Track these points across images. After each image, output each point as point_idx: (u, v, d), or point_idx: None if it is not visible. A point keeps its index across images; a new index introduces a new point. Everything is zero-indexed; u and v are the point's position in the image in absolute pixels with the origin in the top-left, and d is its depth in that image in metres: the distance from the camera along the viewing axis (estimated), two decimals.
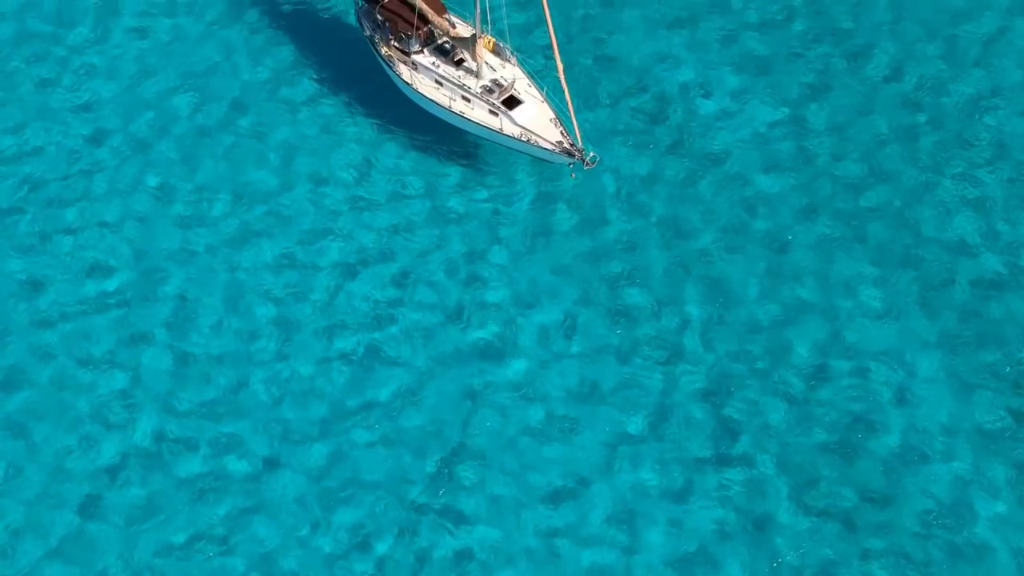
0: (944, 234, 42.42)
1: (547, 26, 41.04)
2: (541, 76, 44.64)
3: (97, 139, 46.56)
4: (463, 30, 44.76)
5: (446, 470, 37.73)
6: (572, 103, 42.28)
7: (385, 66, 45.87)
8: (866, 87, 46.77)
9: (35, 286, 42.42)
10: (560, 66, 41.50)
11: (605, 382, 39.41)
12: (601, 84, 47.31)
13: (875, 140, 45.18)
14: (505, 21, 44.76)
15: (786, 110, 46.17)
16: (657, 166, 44.84)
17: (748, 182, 44.27)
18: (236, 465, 38.07)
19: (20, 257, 43.22)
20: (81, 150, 46.19)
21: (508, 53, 44.63)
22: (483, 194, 44.47)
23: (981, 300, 40.77)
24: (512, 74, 44.26)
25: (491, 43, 44.62)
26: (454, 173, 45.08)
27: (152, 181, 45.21)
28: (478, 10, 42.72)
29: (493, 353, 40.28)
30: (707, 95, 46.89)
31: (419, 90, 44.52)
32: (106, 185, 45.09)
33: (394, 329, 40.94)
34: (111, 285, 42.39)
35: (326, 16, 50.37)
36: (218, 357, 40.41)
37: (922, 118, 45.69)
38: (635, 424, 38.41)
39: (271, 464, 38.08)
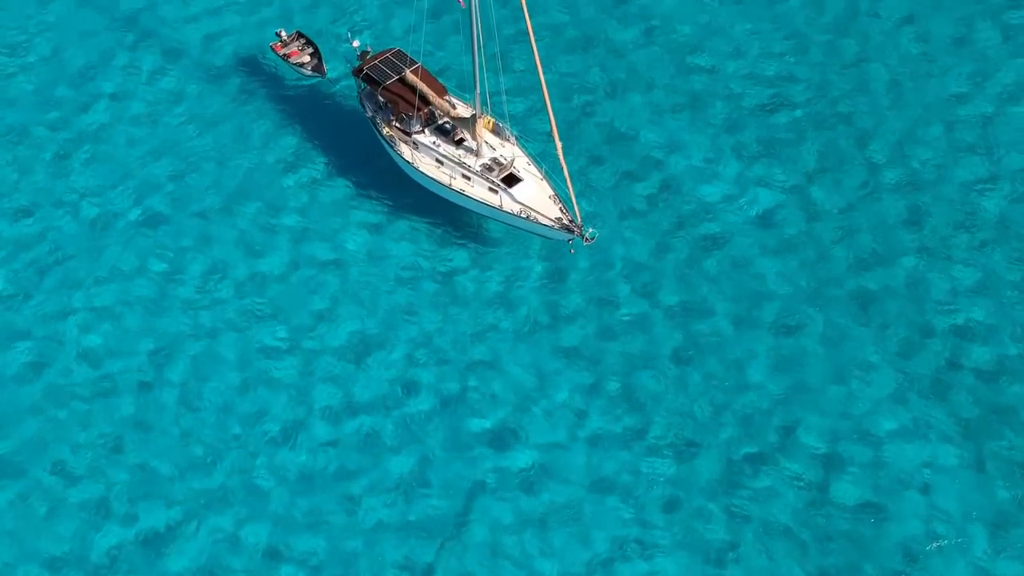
0: (951, 318, 42.36)
1: (546, 107, 42.05)
2: (540, 155, 45.49)
3: (102, 222, 47.41)
4: (463, 111, 45.86)
5: (448, 558, 37.57)
6: (571, 180, 43.11)
7: (387, 146, 46.90)
8: (866, 169, 47.23)
9: (36, 368, 42.89)
10: (559, 144, 42.45)
11: (609, 468, 39.29)
12: (600, 164, 48.08)
13: (877, 222, 45.46)
14: (504, 105, 45.86)
15: (785, 192, 46.68)
16: (658, 246, 45.35)
17: (749, 263, 44.63)
18: (233, 559, 37.97)
19: (23, 339, 43.70)
20: (85, 233, 46.99)
21: (507, 132, 45.65)
22: (483, 273, 44.97)
23: (990, 384, 40.71)
24: (511, 153, 45.22)
25: (491, 123, 45.67)
26: (454, 251, 45.70)
27: (157, 266, 45.89)
28: (478, 90, 43.86)
29: (495, 438, 40.28)
30: (707, 175, 47.46)
31: (420, 169, 45.46)
32: (109, 268, 45.81)
33: (396, 412, 41.11)
34: (114, 367, 42.77)
35: (328, 99, 51.53)
36: (211, 441, 40.59)
37: (923, 200, 46.01)
38: (642, 512, 38.16)
39: (270, 555, 38.00)
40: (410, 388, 41.71)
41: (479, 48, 42.49)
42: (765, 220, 45.86)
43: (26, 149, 50.05)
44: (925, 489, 38.22)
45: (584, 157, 48.08)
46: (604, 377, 41.64)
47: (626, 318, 43.21)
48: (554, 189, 44.15)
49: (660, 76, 51.15)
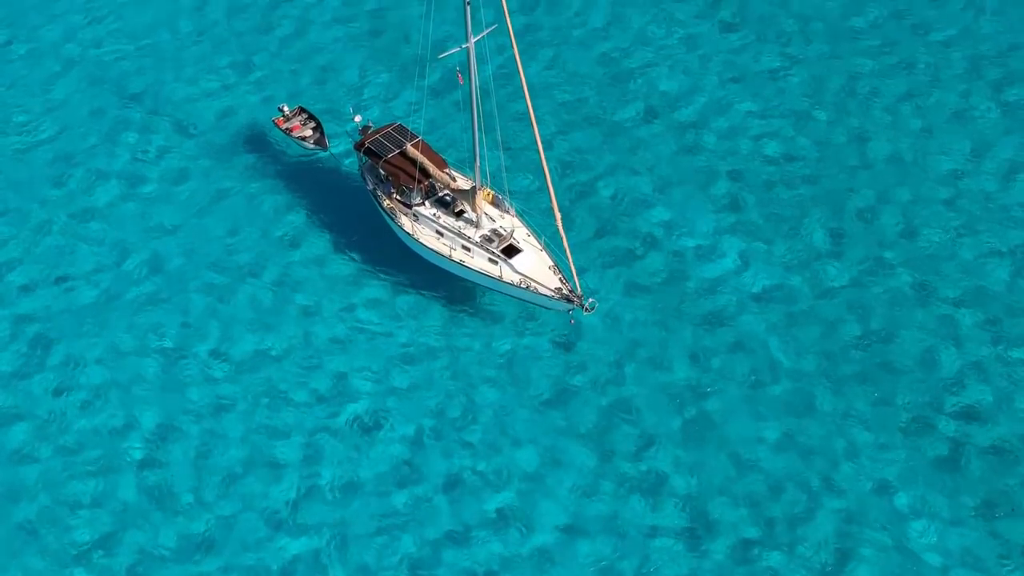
0: (960, 397, 41.73)
1: (545, 180, 42.19)
2: (539, 227, 45.47)
3: (103, 297, 47.37)
4: (463, 183, 46.07)
5: None
6: (570, 251, 43.04)
7: (387, 218, 47.02)
8: (870, 245, 46.91)
9: (28, 456, 42.34)
10: (558, 215, 42.52)
11: (617, 550, 38.37)
12: (601, 239, 48.04)
13: (882, 299, 45.01)
14: (504, 180, 46.06)
15: (789, 269, 46.32)
16: (661, 322, 44.83)
17: (752, 340, 44.09)
18: None
19: (23, 420, 43.23)
20: (87, 311, 46.80)
21: (507, 204, 45.76)
22: (483, 343, 44.69)
23: (995, 465, 39.96)
24: (511, 224, 45.28)
25: (490, 195, 45.84)
26: (455, 322, 45.48)
27: (161, 342, 45.62)
28: (478, 163, 44.12)
29: (499, 520, 39.45)
30: (709, 252, 47.28)
31: (420, 240, 45.48)
32: (109, 345, 45.55)
33: (402, 491, 40.42)
34: (116, 444, 42.22)
35: (331, 173, 51.88)
36: (213, 523, 39.92)
37: (919, 278, 45.62)
38: None
39: None
40: (413, 467, 41.01)
41: (479, 120, 42.83)
42: (769, 297, 45.53)
43: (30, 227, 50.21)
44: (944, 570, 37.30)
45: (584, 233, 48.10)
46: (609, 456, 40.85)
47: (629, 395, 42.60)
48: (554, 260, 44.07)
49: (661, 154, 51.46)
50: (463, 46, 41.08)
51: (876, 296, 45.09)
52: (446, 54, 42.33)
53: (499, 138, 48.20)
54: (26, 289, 47.71)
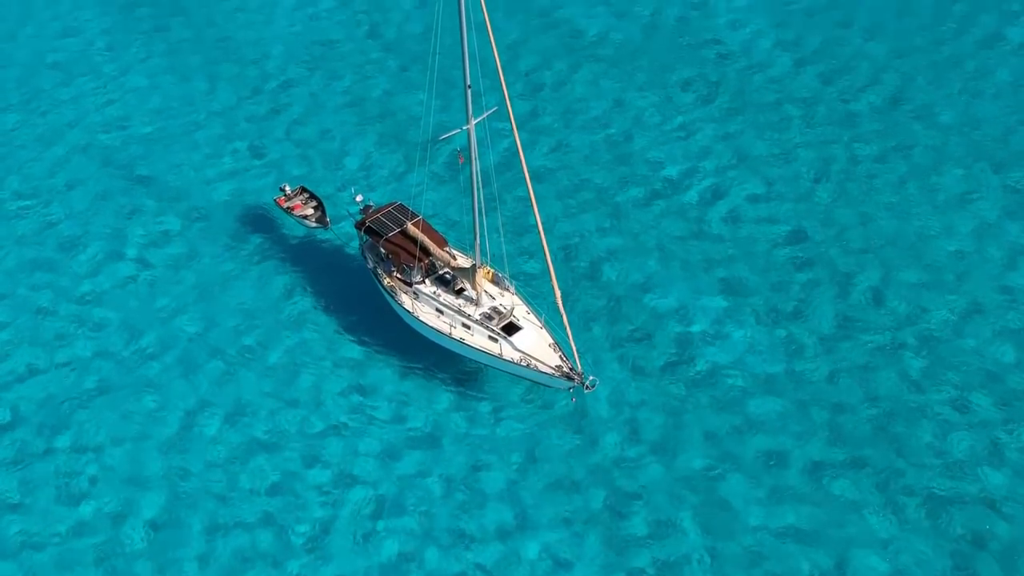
0: (972, 484, 40.86)
1: (546, 260, 42.13)
2: (539, 303, 45.38)
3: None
4: (463, 261, 46.10)
5: None
6: (571, 328, 42.83)
7: (387, 296, 46.97)
8: (880, 328, 46.45)
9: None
10: (558, 292, 42.39)
11: None
12: (603, 321, 47.74)
13: (892, 382, 44.41)
14: (505, 260, 46.08)
15: (797, 354, 45.78)
16: (666, 404, 44.23)
17: (761, 424, 43.40)
18: None
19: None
20: (89, 395, 46.47)
21: (507, 282, 45.71)
22: (483, 421, 44.22)
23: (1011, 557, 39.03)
24: (511, 302, 45.16)
25: (490, 274, 45.83)
26: (454, 400, 45.08)
27: (167, 428, 45.24)
28: (478, 240, 44.20)
29: None
30: (714, 335, 46.82)
31: (420, 318, 45.34)
32: (113, 430, 45.16)
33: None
34: (117, 531, 41.58)
35: (333, 251, 52.03)
36: None
37: (927, 359, 45.05)
38: None
39: None
40: (416, 559, 40.14)
41: (479, 201, 42.99)
42: (776, 381, 44.91)
43: (32, 313, 50.09)
44: None
45: (588, 313, 47.93)
46: (619, 544, 39.94)
47: (637, 479, 41.81)
48: (554, 338, 43.82)
49: (664, 236, 51.57)
50: (464, 128, 41.50)
51: (885, 378, 44.47)
52: (447, 135, 42.75)
53: (500, 220, 48.38)
54: (29, 372, 47.52)
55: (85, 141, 59.47)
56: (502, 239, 47.01)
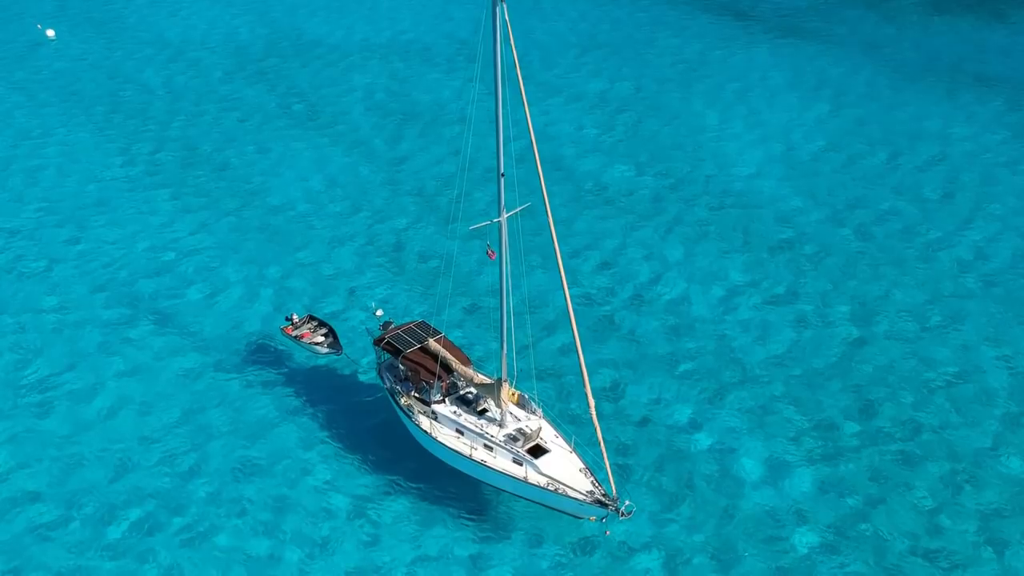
0: None
1: (579, 362, 38.78)
2: (568, 431, 41.69)
3: (108, 517, 42.95)
4: (486, 379, 42.72)
5: None
6: (604, 446, 38.87)
7: (403, 417, 43.34)
8: (902, 445, 44.13)
9: None
10: (591, 402, 38.53)
11: None
12: (636, 452, 44.29)
13: (912, 504, 41.42)
14: (534, 383, 42.94)
15: (825, 480, 42.74)
16: (705, 539, 40.52)
17: (796, 551, 39.79)
18: None
19: None
20: (97, 537, 42.06)
21: (533, 405, 42.13)
22: (503, 557, 39.78)
23: None
24: (537, 424, 41.45)
25: (515, 395, 42.24)
26: (472, 532, 40.87)
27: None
28: (504, 350, 40.91)
29: None
30: (732, 448, 44.23)
31: (439, 439, 41.56)
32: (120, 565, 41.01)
33: None
34: None
35: (349, 378, 48.96)
36: None
37: (952, 472, 42.05)
38: None
39: None
40: None
41: (508, 309, 40.13)
42: (806, 507, 41.52)
43: (33, 443, 46.26)
44: None
45: (617, 444, 44.31)
46: None
47: None
48: (584, 463, 39.84)
49: (689, 360, 49.37)
50: (496, 219, 39.11)
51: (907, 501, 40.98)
52: (478, 226, 40.28)
53: (529, 335, 45.65)
54: (34, 496, 43.74)
55: (107, 278, 57.34)
56: (532, 361, 43.95)
